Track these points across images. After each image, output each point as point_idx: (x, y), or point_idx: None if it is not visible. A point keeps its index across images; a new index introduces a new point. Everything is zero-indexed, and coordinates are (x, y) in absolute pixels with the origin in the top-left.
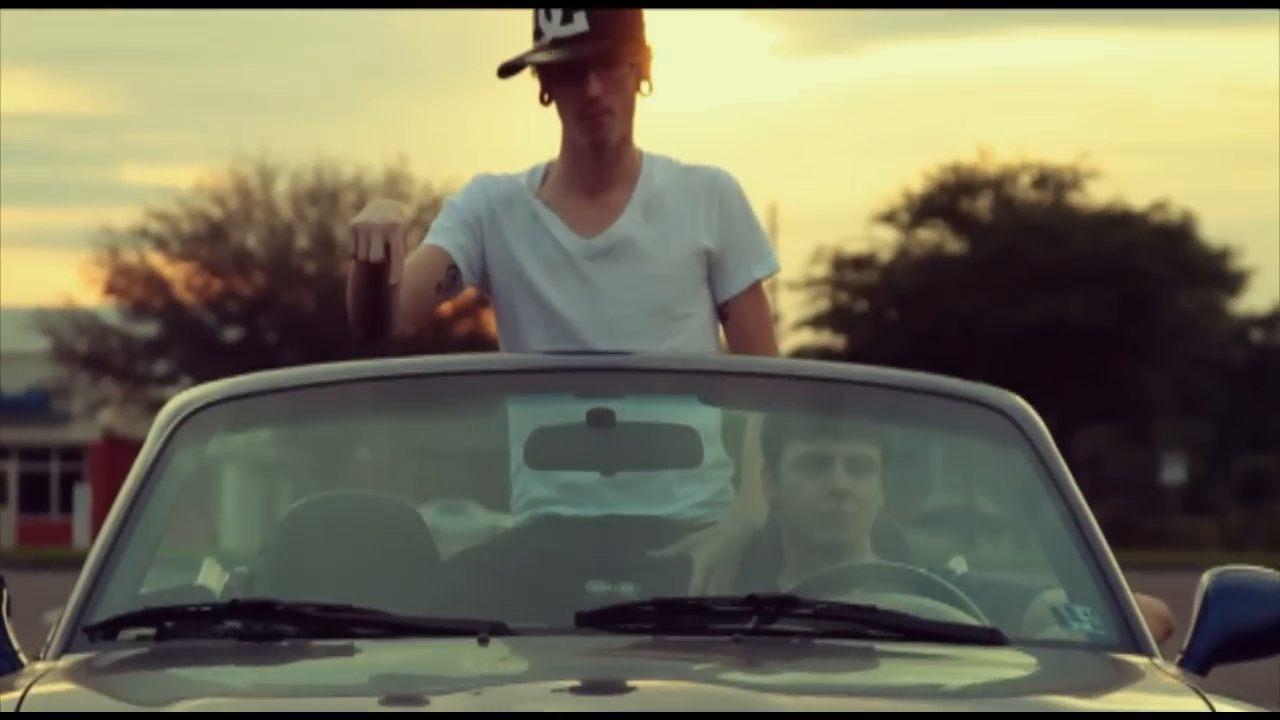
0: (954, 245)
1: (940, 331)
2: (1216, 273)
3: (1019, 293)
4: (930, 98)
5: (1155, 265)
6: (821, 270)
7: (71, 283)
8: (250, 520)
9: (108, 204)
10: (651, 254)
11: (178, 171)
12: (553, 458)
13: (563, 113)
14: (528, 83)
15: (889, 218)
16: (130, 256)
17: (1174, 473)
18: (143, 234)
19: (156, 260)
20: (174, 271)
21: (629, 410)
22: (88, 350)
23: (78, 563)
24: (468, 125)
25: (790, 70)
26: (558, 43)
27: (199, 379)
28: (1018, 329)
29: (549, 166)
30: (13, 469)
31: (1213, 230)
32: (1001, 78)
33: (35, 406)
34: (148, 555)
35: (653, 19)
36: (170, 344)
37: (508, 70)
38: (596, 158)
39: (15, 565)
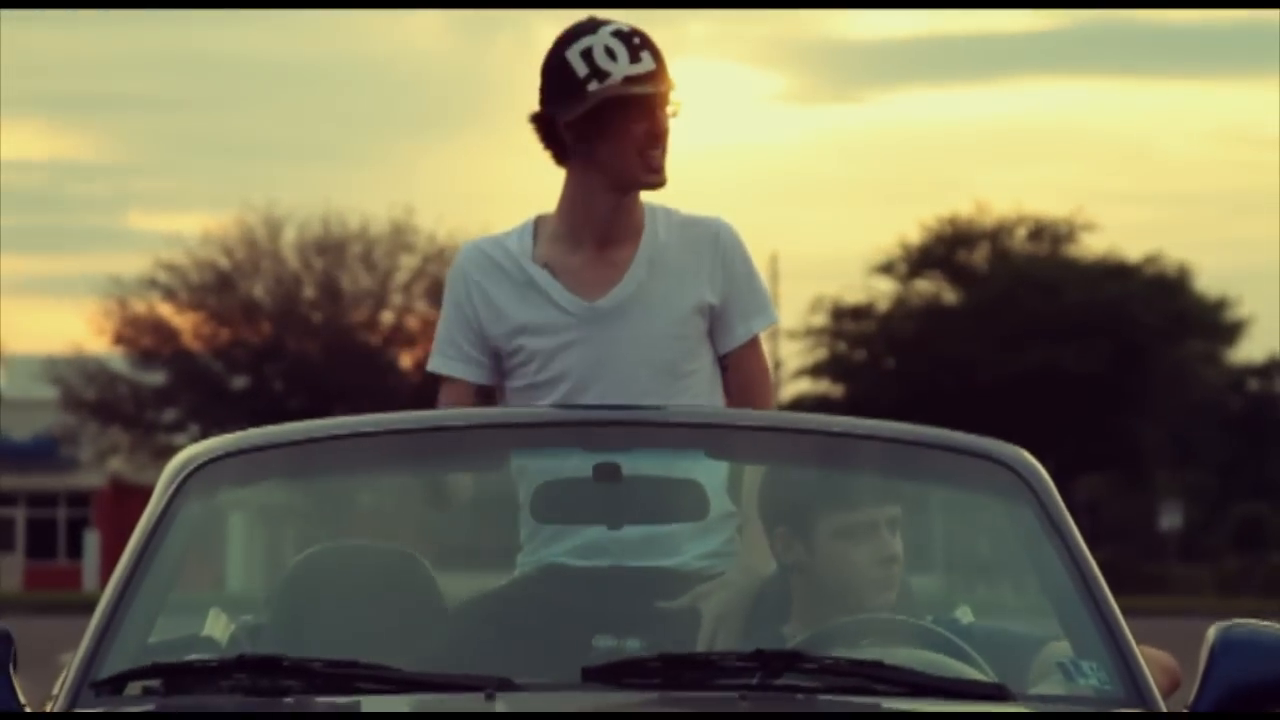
0: (950, 296)
1: (937, 380)
2: (1212, 323)
3: (1015, 342)
4: (931, 145)
5: (1149, 316)
6: (820, 320)
7: (77, 330)
8: (256, 565)
9: (113, 251)
10: (657, 312)
11: (183, 219)
12: (559, 511)
13: (619, 153)
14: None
15: (887, 268)
16: (139, 306)
17: (1171, 520)
18: (151, 283)
19: (165, 310)
20: (182, 321)
21: (635, 464)
22: (96, 398)
23: (86, 607)
24: (473, 172)
25: (791, 117)
26: (631, 80)
27: (207, 426)
28: (1013, 378)
29: (538, 223)
30: (20, 515)
31: (1211, 280)
32: (1003, 126)
33: (43, 453)
34: (155, 609)
35: None
36: (178, 392)
37: (574, 103)
38: (619, 205)
39: (25, 609)
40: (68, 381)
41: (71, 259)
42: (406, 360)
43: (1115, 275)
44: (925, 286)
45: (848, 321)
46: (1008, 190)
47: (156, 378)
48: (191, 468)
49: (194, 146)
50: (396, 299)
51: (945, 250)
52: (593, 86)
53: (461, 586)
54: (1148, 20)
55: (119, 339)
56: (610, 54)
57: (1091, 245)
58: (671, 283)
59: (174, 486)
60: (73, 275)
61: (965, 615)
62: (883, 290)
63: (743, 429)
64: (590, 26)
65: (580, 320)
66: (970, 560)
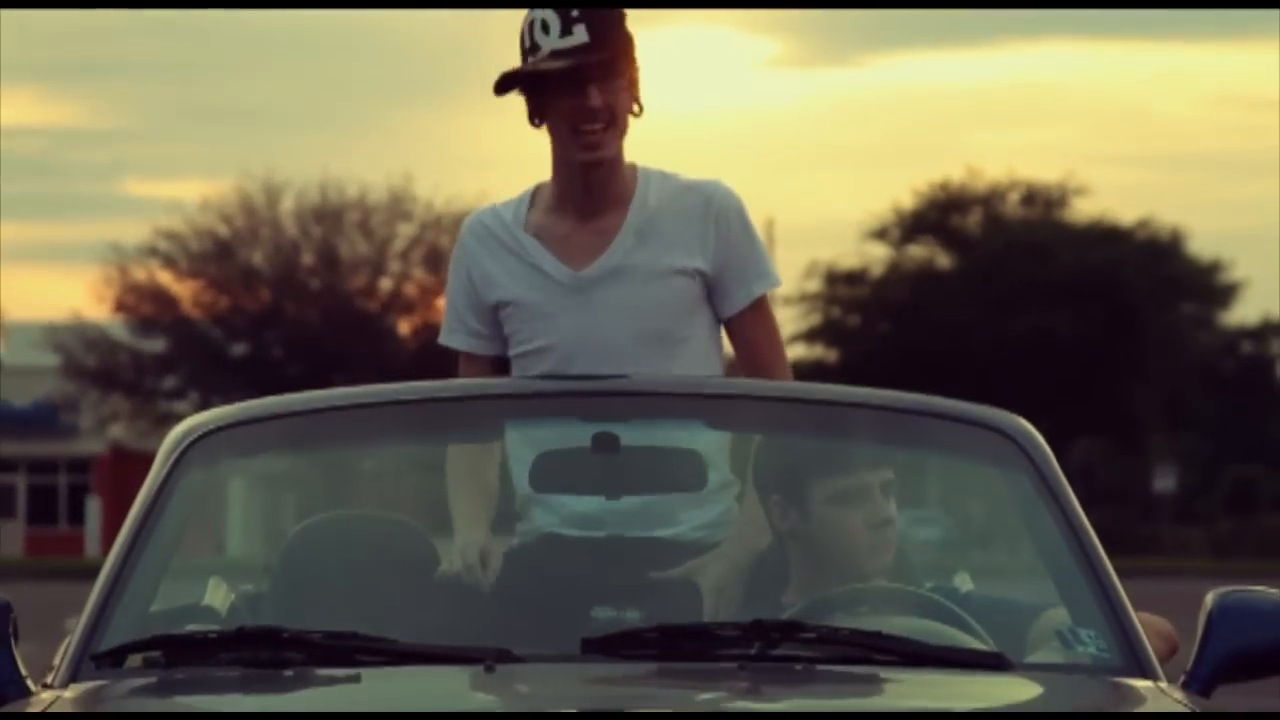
0: (944, 260)
1: (930, 345)
2: (1204, 286)
3: (1007, 307)
4: (926, 109)
5: (1141, 280)
6: (815, 285)
7: (75, 296)
8: (255, 531)
9: (110, 218)
10: (645, 280)
11: (180, 185)
12: (557, 482)
13: (557, 130)
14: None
15: (880, 234)
16: (139, 273)
17: (1165, 482)
18: (151, 251)
19: (165, 277)
20: (182, 288)
21: (633, 434)
22: (97, 365)
23: (89, 573)
24: (471, 140)
25: (785, 81)
26: (558, 54)
27: (206, 393)
28: (1006, 342)
29: (537, 191)
30: (21, 481)
31: (1205, 243)
32: (998, 89)
33: (43, 420)
34: (155, 580)
35: (647, 29)
36: (178, 359)
37: (505, 84)
38: (586, 178)
39: (28, 575)
40: (69, 349)
41: (68, 226)
42: (404, 326)
43: (1107, 239)
44: (919, 251)
45: (842, 287)
46: (1003, 153)
47: (156, 345)
48: (192, 438)
49: (191, 113)
50: (394, 266)
51: (938, 215)
52: (528, 61)
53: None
54: None
55: (119, 306)
56: (545, 27)
57: (1084, 209)
58: (660, 250)
59: (174, 457)
60: (69, 242)
61: (964, 583)
62: (876, 255)
63: (740, 398)
64: None
65: (567, 289)
66: (967, 528)
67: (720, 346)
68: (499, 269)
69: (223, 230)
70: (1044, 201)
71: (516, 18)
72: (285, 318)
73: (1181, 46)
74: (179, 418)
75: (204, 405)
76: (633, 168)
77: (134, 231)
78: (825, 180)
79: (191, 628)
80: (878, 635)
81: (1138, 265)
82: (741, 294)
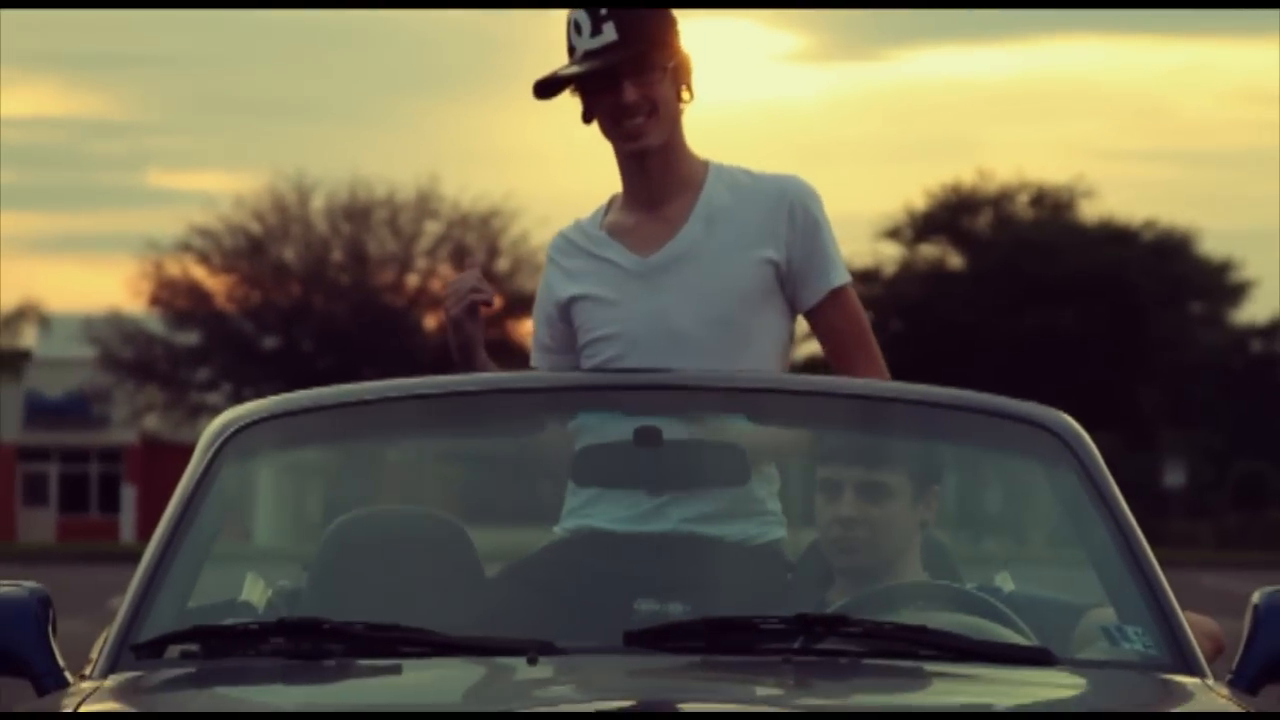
0: (955, 260)
1: (942, 342)
2: (1211, 286)
3: (1016, 306)
4: (946, 103)
5: (1145, 280)
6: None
7: (104, 288)
8: (285, 520)
9: (136, 209)
10: (713, 265)
11: (203, 177)
12: (600, 475)
13: (603, 125)
14: (563, 97)
15: (893, 233)
16: (174, 269)
17: (1175, 477)
18: (186, 247)
19: (199, 272)
20: (215, 283)
21: (675, 428)
22: (133, 358)
23: (126, 557)
24: (498, 137)
25: (805, 75)
26: (589, 55)
27: (238, 385)
28: (1015, 340)
29: (614, 198)
30: (54, 470)
31: (1219, 241)
32: (1018, 83)
33: (76, 410)
34: (194, 572)
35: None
36: (211, 352)
37: (544, 89)
38: (643, 168)
39: (66, 559)
40: (105, 341)
41: (93, 217)
42: (430, 322)
43: (1115, 240)
44: (930, 251)
45: (855, 285)
46: (1022, 148)
47: (190, 338)
48: (230, 431)
49: (213, 105)
50: (421, 263)
51: (949, 216)
52: (568, 62)
53: (500, 547)
54: None
55: (155, 300)
56: (577, 28)
57: (1095, 209)
58: (730, 239)
59: (213, 450)
60: (94, 234)
61: (1006, 582)
62: (889, 254)
63: (784, 393)
64: None
65: (634, 275)
66: (1013, 525)
67: (791, 339)
68: (573, 267)
69: (255, 227)
70: (1052, 204)
71: (544, 15)
72: (315, 312)
73: (1202, 42)
74: (212, 409)
75: (236, 397)
76: (705, 163)
77: (158, 223)
78: (844, 174)
79: (230, 621)
80: (923, 630)
81: (1144, 265)
82: (820, 284)
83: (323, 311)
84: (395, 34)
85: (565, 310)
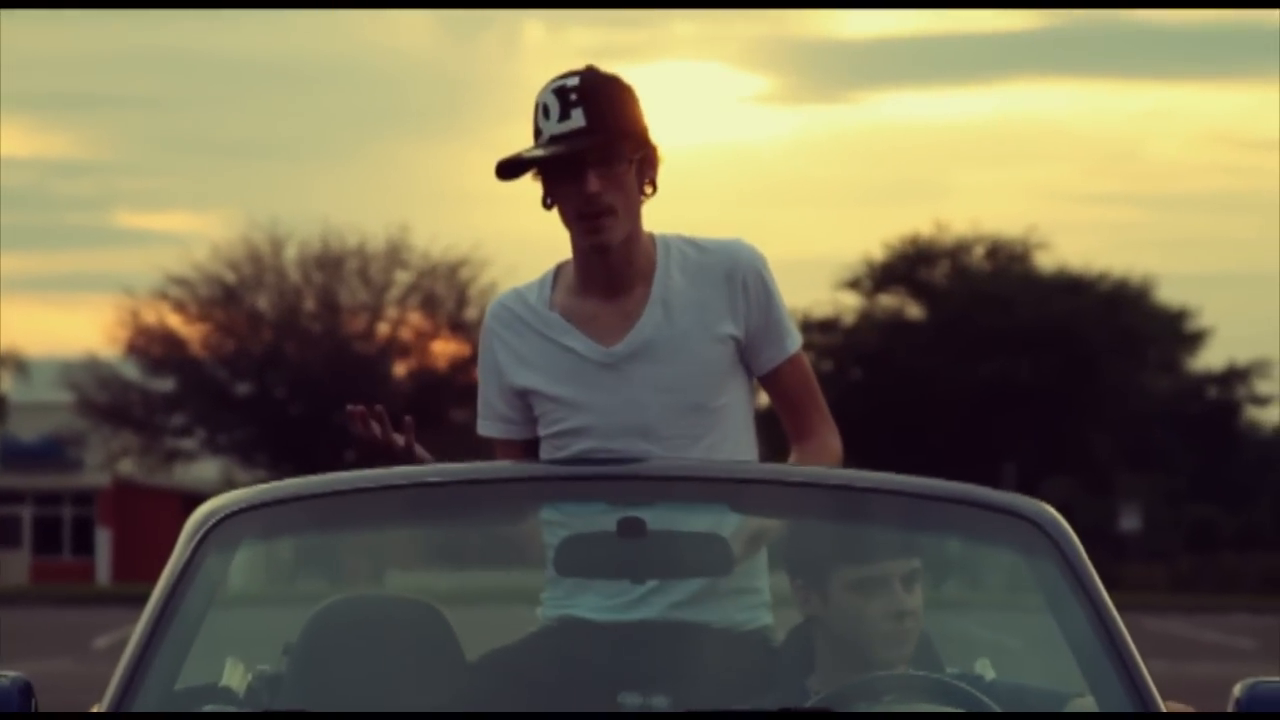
0: (913, 310)
1: (900, 390)
2: (1167, 334)
3: (972, 354)
4: (914, 145)
5: (1097, 331)
6: None
7: (73, 328)
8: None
9: (103, 249)
10: (677, 352)
11: (169, 218)
12: (583, 566)
13: (563, 214)
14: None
15: (853, 284)
16: (150, 316)
17: (1130, 522)
18: (162, 296)
19: (175, 320)
20: (190, 331)
21: (658, 518)
22: (109, 403)
23: (101, 599)
24: (468, 187)
25: (774, 118)
26: (555, 139)
27: (213, 431)
28: (970, 388)
29: (559, 270)
30: (27, 513)
31: (1177, 287)
32: (985, 126)
33: (50, 454)
34: (178, 662)
35: (638, 62)
36: (186, 398)
37: (507, 171)
38: (605, 262)
39: (43, 600)
40: (82, 387)
41: (62, 257)
42: (400, 369)
43: (1068, 291)
44: (889, 301)
45: (816, 334)
46: (988, 192)
47: (165, 384)
48: (214, 520)
49: (179, 145)
50: (391, 312)
51: (908, 267)
52: (533, 145)
53: (482, 635)
54: (1135, 20)
55: (132, 349)
56: (545, 111)
57: (1051, 258)
58: (689, 321)
59: (197, 539)
60: (62, 274)
61: (986, 669)
62: (849, 304)
63: (766, 483)
64: (557, 78)
65: (600, 366)
66: (994, 615)
67: (753, 409)
68: (528, 350)
69: (230, 276)
70: (1007, 255)
71: (509, 56)
72: (288, 359)
73: (1171, 86)
74: (185, 454)
75: (210, 442)
76: (651, 238)
77: (125, 263)
78: (811, 216)
79: (210, 708)
80: None
81: (1096, 315)
82: (776, 353)
83: (295, 359)
84: (360, 75)
85: (523, 394)
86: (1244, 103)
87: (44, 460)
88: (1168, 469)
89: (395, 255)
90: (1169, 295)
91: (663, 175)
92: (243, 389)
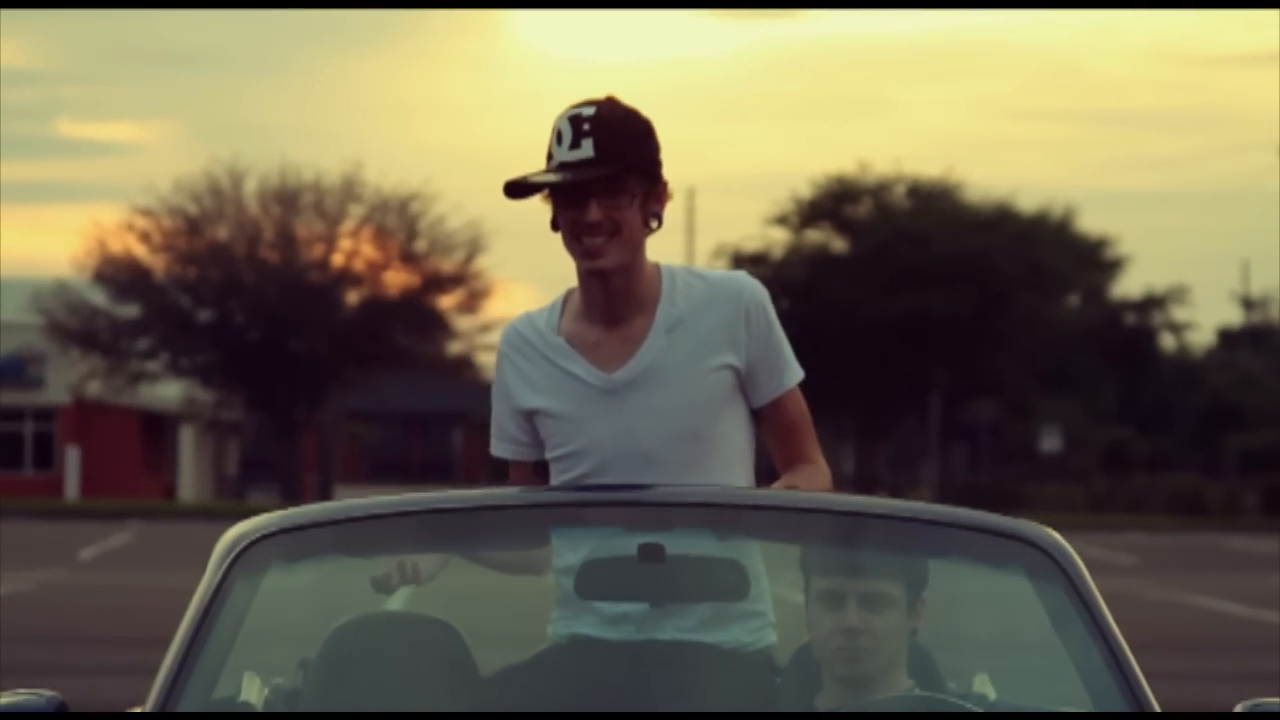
0: (838, 245)
1: (825, 320)
2: (1087, 262)
3: (893, 288)
4: (858, 62)
5: (1009, 265)
6: (722, 265)
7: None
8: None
9: (43, 158)
10: (678, 381)
11: (112, 128)
12: (603, 589)
13: (565, 240)
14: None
15: (781, 220)
16: (117, 246)
17: (1051, 443)
18: (129, 228)
19: (140, 250)
20: (155, 260)
21: (674, 543)
22: (78, 327)
23: (72, 513)
24: (409, 87)
25: (715, 31)
26: (564, 166)
27: (175, 354)
28: (890, 320)
29: (569, 296)
30: None
31: (1098, 215)
32: (926, 44)
33: (11, 372)
34: (209, 688)
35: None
36: (151, 323)
37: (515, 191)
38: (604, 287)
39: (20, 514)
40: (52, 312)
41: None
42: (353, 297)
43: (985, 228)
44: (815, 236)
45: (747, 267)
46: (936, 106)
47: (131, 310)
48: (242, 545)
49: (123, 55)
50: (345, 244)
51: (833, 204)
52: (544, 168)
53: (494, 652)
54: None
55: (99, 276)
56: (559, 137)
57: (993, 173)
58: (691, 350)
59: (226, 565)
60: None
61: (986, 687)
62: (778, 239)
63: (778, 510)
64: (575, 104)
65: (600, 392)
66: (1000, 639)
67: (752, 437)
68: (535, 374)
69: (192, 208)
70: (925, 194)
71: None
72: (246, 288)
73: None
74: (150, 376)
75: (173, 365)
76: (656, 267)
77: (68, 173)
78: (753, 132)
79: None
80: None
81: (1008, 251)
82: (776, 385)
83: (254, 287)
84: None
85: (529, 416)
86: (1190, 20)
87: (5, 377)
88: (1087, 394)
89: (349, 190)
90: (1090, 224)
91: (613, 91)
92: (204, 315)
